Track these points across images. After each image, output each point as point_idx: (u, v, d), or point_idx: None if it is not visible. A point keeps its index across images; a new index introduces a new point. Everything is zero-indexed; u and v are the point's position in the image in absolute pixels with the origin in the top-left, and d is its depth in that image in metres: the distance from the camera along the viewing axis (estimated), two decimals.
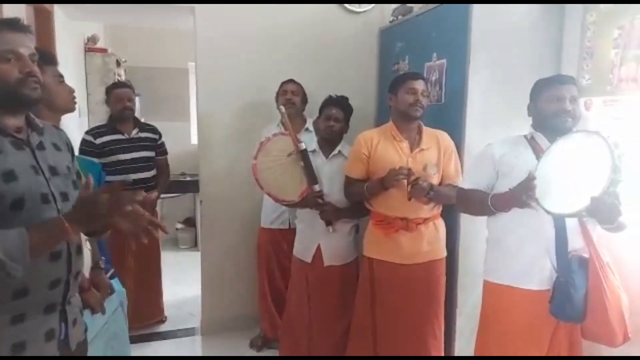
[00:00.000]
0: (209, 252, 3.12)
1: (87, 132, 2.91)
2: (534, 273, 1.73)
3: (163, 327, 3.29)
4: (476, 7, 2.14)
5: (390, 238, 2.15)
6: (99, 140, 2.85)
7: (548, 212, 1.58)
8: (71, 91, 1.76)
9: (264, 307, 2.93)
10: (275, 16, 2.98)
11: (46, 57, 1.51)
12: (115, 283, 1.81)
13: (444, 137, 2.17)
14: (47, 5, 2.66)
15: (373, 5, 3.11)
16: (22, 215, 1.10)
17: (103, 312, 1.57)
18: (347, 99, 2.40)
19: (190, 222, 5.24)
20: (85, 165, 2.13)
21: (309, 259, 2.36)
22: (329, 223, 2.29)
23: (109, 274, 1.75)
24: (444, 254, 2.22)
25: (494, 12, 2.18)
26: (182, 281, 3.93)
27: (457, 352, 2.34)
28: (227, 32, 2.92)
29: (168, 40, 4.89)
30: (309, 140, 2.50)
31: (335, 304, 2.37)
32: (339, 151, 2.36)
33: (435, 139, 2.16)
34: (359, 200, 2.25)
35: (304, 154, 2.26)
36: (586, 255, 1.68)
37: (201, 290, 3.15)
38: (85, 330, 1.39)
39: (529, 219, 1.70)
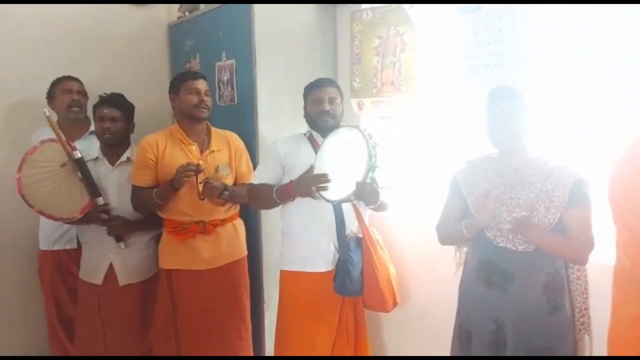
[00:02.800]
0: None
1: None
2: (320, 256, 1.90)
3: None
4: (257, 10, 2.22)
5: (187, 245, 2.08)
6: None
7: (327, 200, 1.75)
8: None
9: (53, 339, 2.51)
10: (46, 6, 2.56)
11: None
12: None
13: (234, 138, 2.20)
14: None
15: None
16: None
17: None
18: (122, 96, 2.18)
19: None
20: None
21: (99, 281, 2.12)
22: (119, 239, 2.09)
23: None
24: (244, 253, 2.25)
25: (274, 16, 2.29)
26: None
27: (268, 346, 2.41)
28: None
29: None
30: (95, 145, 2.23)
31: (136, 324, 2.18)
32: (127, 158, 2.16)
33: (225, 140, 2.17)
34: (149, 211, 2.12)
35: (79, 163, 2.00)
36: (361, 235, 1.91)
37: None
38: None
39: (310, 208, 1.85)
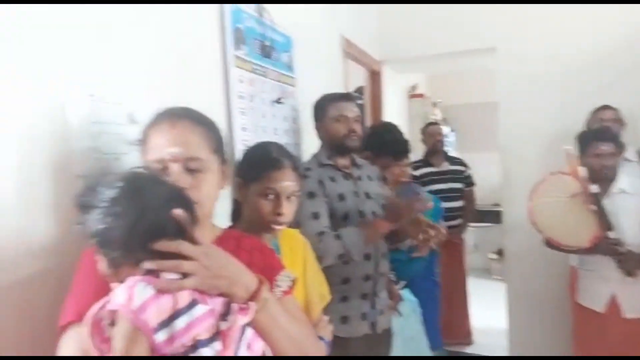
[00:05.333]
0: (514, 284, 3.10)
1: None
2: None
3: (470, 349, 3.46)
4: None
5: None
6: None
7: None
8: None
9: None
10: (577, 43, 2.82)
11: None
12: (407, 293, 2.16)
13: None
14: (376, 67, 3.38)
15: None
16: (347, 225, 1.61)
17: (399, 313, 1.95)
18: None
19: (502, 253, 5.15)
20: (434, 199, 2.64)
21: (602, 309, 2.08)
22: (630, 273, 1.98)
23: (399, 286, 2.10)
24: None
25: None
26: (493, 310, 3.77)
27: None
28: (527, 68, 2.94)
29: (476, 77, 5.09)
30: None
31: None
32: (620, 189, 2.05)
33: None
34: None
35: (596, 198, 2.01)
36: None
37: (508, 323, 3.12)
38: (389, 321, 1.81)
39: None
